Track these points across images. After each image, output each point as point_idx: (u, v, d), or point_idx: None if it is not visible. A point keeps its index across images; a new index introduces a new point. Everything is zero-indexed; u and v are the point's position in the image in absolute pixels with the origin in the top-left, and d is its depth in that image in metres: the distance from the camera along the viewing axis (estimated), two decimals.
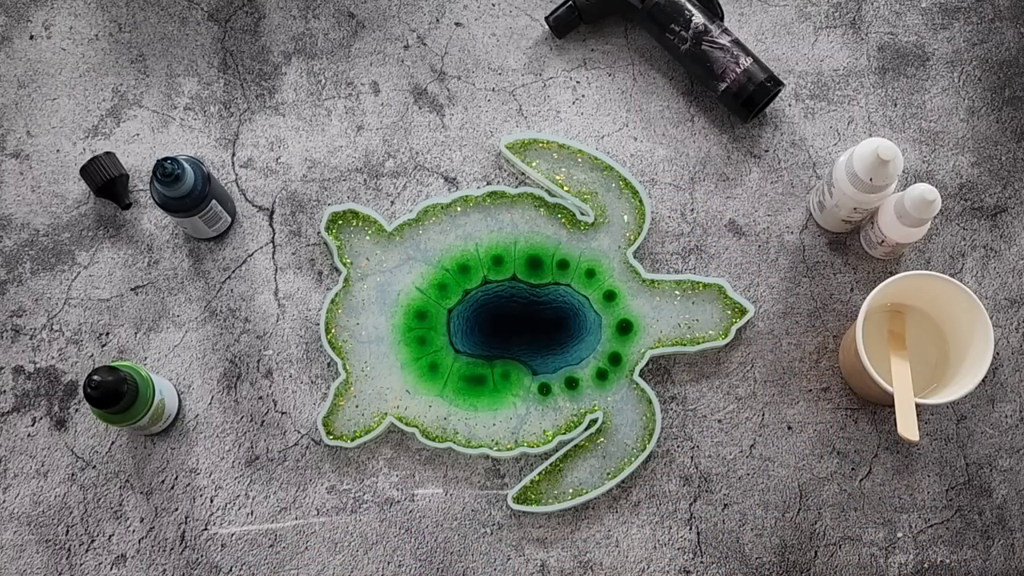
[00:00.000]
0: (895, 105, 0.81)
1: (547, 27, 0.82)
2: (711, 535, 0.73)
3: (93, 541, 0.72)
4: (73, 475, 0.73)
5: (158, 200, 0.71)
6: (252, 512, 0.72)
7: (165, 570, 0.72)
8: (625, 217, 0.76)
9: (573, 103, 0.81)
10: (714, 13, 0.80)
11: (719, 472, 0.74)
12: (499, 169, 0.79)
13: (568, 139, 0.78)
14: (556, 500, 0.72)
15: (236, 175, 0.79)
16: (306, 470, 0.73)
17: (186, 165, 0.70)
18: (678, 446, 0.74)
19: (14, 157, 0.79)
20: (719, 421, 0.75)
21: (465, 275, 0.75)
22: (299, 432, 0.74)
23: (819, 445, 0.74)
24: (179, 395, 0.73)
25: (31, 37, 0.82)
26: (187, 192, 0.70)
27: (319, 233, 0.78)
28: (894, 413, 0.67)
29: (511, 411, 0.73)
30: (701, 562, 0.72)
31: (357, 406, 0.73)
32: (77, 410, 0.74)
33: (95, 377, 0.63)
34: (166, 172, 0.68)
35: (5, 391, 0.74)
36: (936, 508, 0.73)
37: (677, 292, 0.75)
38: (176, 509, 0.73)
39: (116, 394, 0.64)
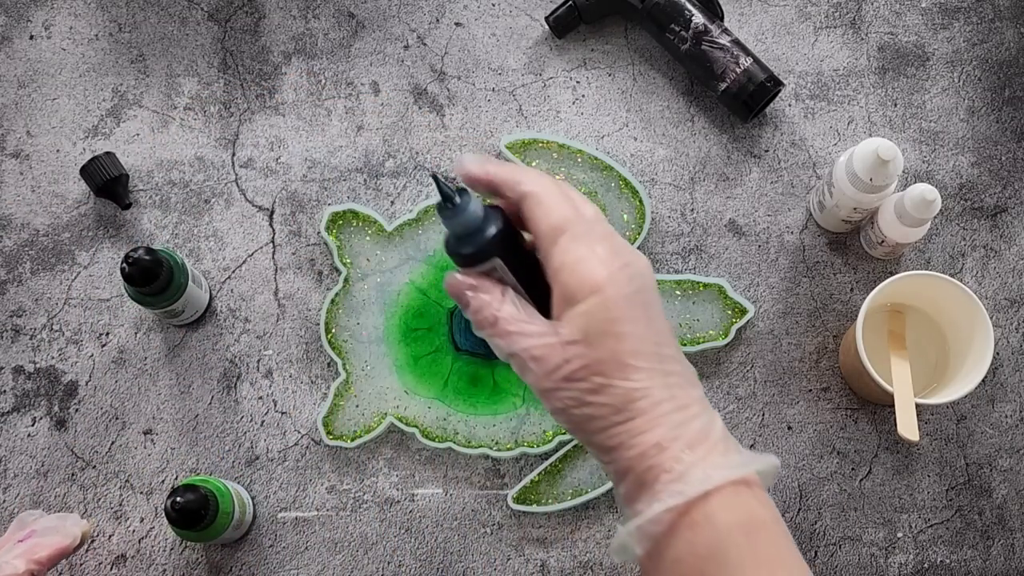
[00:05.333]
0: (895, 105, 0.81)
1: (547, 27, 0.82)
2: None
3: (93, 541, 0.72)
4: (73, 475, 0.73)
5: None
6: (252, 512, 0.72)
7: (165, 570, 0.72)
8: (625, 217, 0.76)
9: (573, 103, 0.81)
10: (714, 13, 0.80)
11: None
12: None
13: (568, 139, 0.78)
14: (556, 500, 0.72)
15: (236, 175, 0.79)
16: (306, 470, 0.73)
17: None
18: None
19: (14, 157, 0.79)
20: None
21: None
22: (299, 432, 0.74)
23: (819, 445, 0.74)
24: (253, 503, 0.73)
25: (31, 37, 0.82)
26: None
27: (319, 233, 0.78)
28: (894, 413, 0.67)
29: (511, 411, 0.73)
30: None
31: (357, 406, 0.73)
32: (77, 410, 0.74)
33: (178, 499, 0.63)
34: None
35: (5, 391, 0.74)
36: (936, 508, 0.73)
37: (677, 292, 0.75)
38: None
39: (197, 515, 0.64)
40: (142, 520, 0.72)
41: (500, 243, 0.50)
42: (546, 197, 0.49)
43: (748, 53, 0.78)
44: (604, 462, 0.48)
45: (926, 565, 0.72)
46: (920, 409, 0.74)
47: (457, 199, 0.50)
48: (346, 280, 0.75)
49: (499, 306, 0.49)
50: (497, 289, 0.49)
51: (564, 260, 0.47)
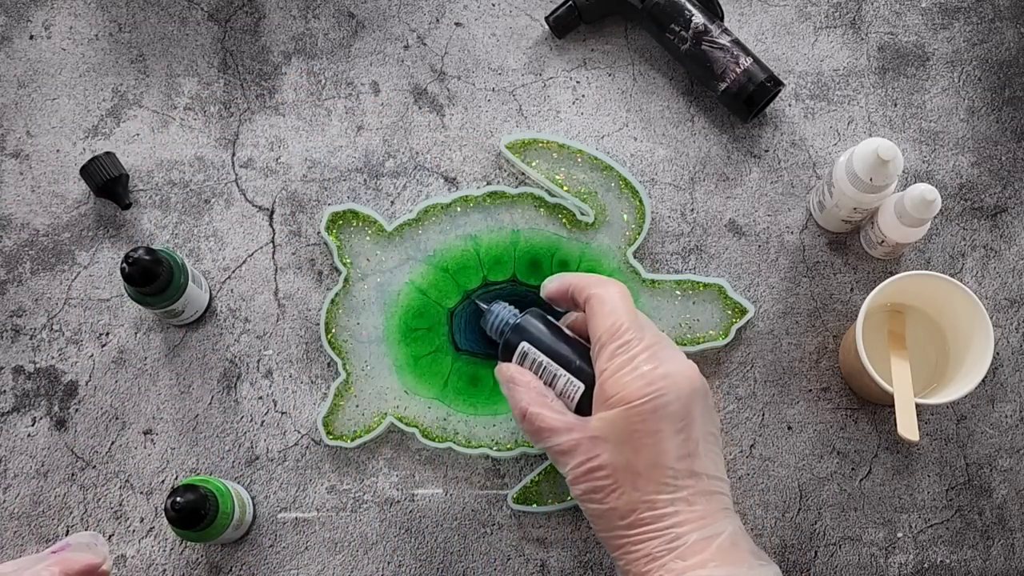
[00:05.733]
0: (895, 105, 0.81)
1: (547, 27, 0.82)
2: None
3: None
4: (73, 475, 0.73)
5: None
6: (252, 512, 0.72)
7: (165, 570, 0.72)
8: (625, 217, 0.76)
9: (573, 103, 0.81)
10: (714, 13, 0.80)
11: None
12: (499, 169, 0.79)
13: (568, 139, 0.78)
14: (556, 500, 0.72)
15: (236, 175, 0.79)
16: (306, 470, 0.73)
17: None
18: None
19: (14, 157, 0.79)
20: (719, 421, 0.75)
21: (465, 275, 0.75)
22: (299, 432, 0.74)
23: (819, 445, 0.74)
24: (253, 503, 0.73)
25: (31, 37, 0.82)
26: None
27: (319, 233, 0.78)
28: (894, 413, 0.67)
29: (511, 411, 0.73)
30: None
31: (357, 406, 0.73)
32: (77, 410, 0.74)
33: (179, 499, 0.63)
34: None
35: (5, 391, 0.74)
36: (936, 508, 0.73)
37: (677, 292, 0.75)
38: None
39: (197, 515, 0.64)
40: (142, 520, 0.72)
41: (523, 331, 0.57)
42: (608, 302, 0.54)
43: (748, 53, 0.78)
44: (613, 557, 0.52)
45: (926, 565, 0.72)
46: (920, 409, 0.74)
47: (485, 306, 0.61)
48: (346, 280, 0.75)
49: (529, 401, 0.54)
50: (532, 387, 0.55)
51: (608, 366, 0.52)
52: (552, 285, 0.57)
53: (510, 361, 0.58)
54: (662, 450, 0.50)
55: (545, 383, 0.57)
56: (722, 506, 0.51)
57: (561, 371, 0.55)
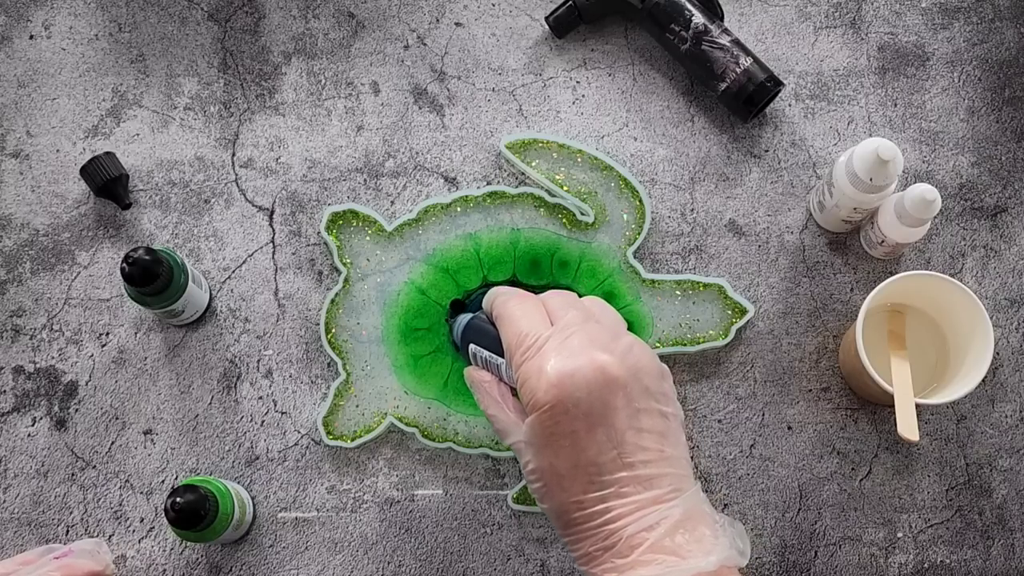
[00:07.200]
0: (895, 105, 0.81)
1: (547, 27, 0.82)
2: None
3: None
4: (73, 475, 0.73)
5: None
6: (252, 512, 0.72)
7: (165, 570, 0.72)
8: (625, 217, 0.76)
9: (573, 103, 0.81)
10: (714, 13, 0.80)
11: (719, 472, 0.74)
12: (499, 169, 0.79)
13: (568, 139, 0.78)
14: None
15: (236, 175, 0.79)
16: (306, 470, 0.73)
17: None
18: None
19: (14, 157, 0.79)
20: (719, 421, 0.75)
21: (465, 275, 0.75)
22: (299, 432, 0.74)
23: (819, 445, 0.74)
24: (253, 502, 0.73)
25: (31, 37, 0.82)
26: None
27: (319, 233, 0.78)
28: (894, 413, 0.67)
29: None
30: None
31: (357, 406, 0.73)
32: (77, 410, 0.74)
33: (178, 499, 0.63)
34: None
35: (5, 391, 0.74)
36: (936, 508, 0.73)
37: (677, 292, 0.75)
38: None
39: (197, 515, 0.63)
40: (142, 520, 0.72)
41: (469, 332, 0.60)
42: (507, 318, 0.54)
43: (748, 53, 0.78)
44: None
45: (926, 565, 0.72)
46: (920, 409, 0.74)
47: (450, 320, 0.65)
48: (346, 280, 0.75)
49: (487, 403, 0.56)
50: (486, 389, 0.56)
51: (518, 375, 0.52)
52: (485, 305, 0.59)
53: (470, 361, 0.62)
54: (581, 449, 0.49)
55: (493, 375, 0.58)
56: (669, 488, 0.48)
57: (499, 359, 0.57)
